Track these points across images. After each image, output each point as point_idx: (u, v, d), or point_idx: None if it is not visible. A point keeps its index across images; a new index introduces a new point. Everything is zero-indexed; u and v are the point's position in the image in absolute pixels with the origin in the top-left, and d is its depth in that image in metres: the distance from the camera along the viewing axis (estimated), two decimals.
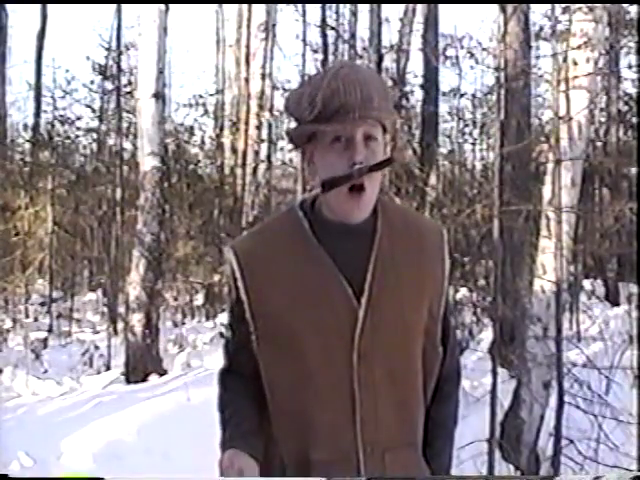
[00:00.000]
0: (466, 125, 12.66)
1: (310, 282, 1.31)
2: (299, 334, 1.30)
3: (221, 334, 7.12)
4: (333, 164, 1.28)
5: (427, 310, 1.36)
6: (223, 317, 8.94)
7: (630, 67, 10.08)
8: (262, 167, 7.70)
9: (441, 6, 9.49)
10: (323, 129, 1.28)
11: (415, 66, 9.73)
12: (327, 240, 1.32)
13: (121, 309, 8.02)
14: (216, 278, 8.94)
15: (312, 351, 1.30)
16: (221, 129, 11.24)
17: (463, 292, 7.83)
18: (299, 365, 1.31)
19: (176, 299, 9.98)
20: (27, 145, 12.33)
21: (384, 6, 10.10)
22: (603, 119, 10.92)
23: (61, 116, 11.86)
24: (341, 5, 10.89)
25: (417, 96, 9.59)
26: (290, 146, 1.40)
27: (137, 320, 6.07)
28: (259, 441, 1.33)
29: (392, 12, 10.59)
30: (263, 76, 7.78)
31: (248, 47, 8.31)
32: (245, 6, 8.86)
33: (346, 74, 1.27)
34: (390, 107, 1.35)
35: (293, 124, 1.38)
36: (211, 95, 12.87)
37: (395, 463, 1.32)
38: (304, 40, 10.38)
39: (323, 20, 9.36)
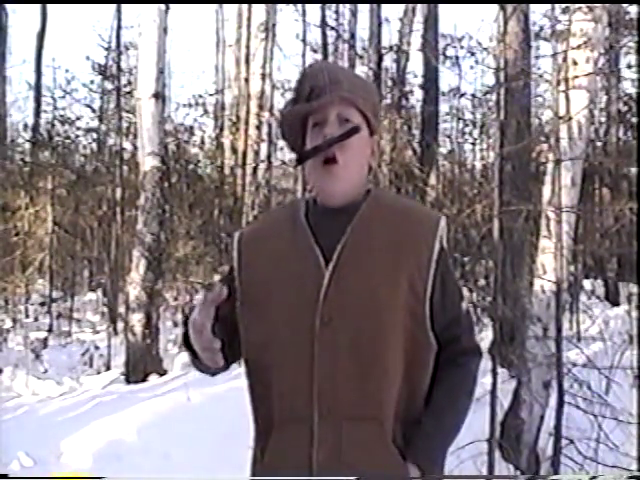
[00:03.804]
0: (466, 125, 12.67)
1: (288, 251, 1.40)
2: (271, 297, 1.38)
3: None
4: (310, 144, 1.39)
5: (409, 288, 1.35)
6: None
7: (630, 67, 10.08)
8: (262, 167, 7.70)
9: (441, 6, 9.51)
10: (298, 109, 1.39)
11: (415, 66, 9.74)
12: (314, 220, 1.41)
13: (121, 309, 8.02)
14: (216, 278, 8.93)
15: (280, 315, 1.36)
16: (221, 129, 11.24)
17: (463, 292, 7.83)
18: (268, 328, 1.37)
19: (176, 299, 9.98)
20: (27, 145, 12.34)
21: (384, 6, 10.12)
22: (603, 119, 10.93)
23: (61, 116, 11.87)
24: (341, 5, 10.90)
25: (417, 96, 9.59)
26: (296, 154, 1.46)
27: (137, 320, 6.07)
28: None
29: (392, 12, 10.61)
30: (263, 76, 7.78)
31: (248, 47, 8.31)
32: (245, 6, 8.86)
33: (316, 64, 1.46)
34: (369, 99, 1.42)
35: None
36: (211, 95, 12.87)
37: (353, 433, 1.32)
38: (304, 40, 10.40)
39: (323, 20, 9.36)
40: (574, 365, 4.17)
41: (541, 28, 8.39)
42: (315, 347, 1.32)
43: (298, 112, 1.39)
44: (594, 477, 1.39)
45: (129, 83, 10.41)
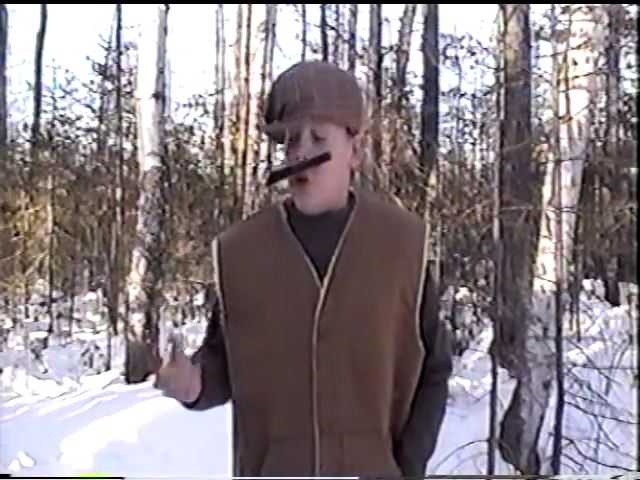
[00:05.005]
0: (466, 125, 12.68)
1: (278, 263, 1.36)
2: (263, 311, 1.34)
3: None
4: (285, 161, 1.37)
5: (400, 298, 1.36)
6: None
7: (630, 67, 10.09)
8: (262, 167, 7.69)
9: (441, 6, 9.50)
10: (270, 129, 1.37)
11: (415, 66, 9.75)
12: (300, 228, 1.37)
13: (121, 309, 8.01)
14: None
15: (273, 328, 1.32)
16: (221, 129, 11.23)
17: (463, 292, 7.83)
18: (261, 341, 1.33)
19: (176, 299, 9.99)
20: (27, 145, 12.34)
21: (384, 6, 10.12)
22: (603, 119, 10.94)
23: (61, 116, 11.88)
24: (341, 5, 10.90)
25: (417, 96, 9.60)
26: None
27: (137, 320, 6.07)
28: (212, 379, 1.35)
29: (392, 12, 10.61)
30: (263, 76, 7.77)
31: (248, 47, 8.30)
32: (245, 6, 8.85)
33: (289, 75, 1.36)
34: (348, 104, 1.36)
35: None
36: (211, 95, 12.88)
37: (354, 447, 1.31)
38: (304, 40, 10.41)
39: (323, 20, 9.37)
40: (574, 365, 4.17)
41: (541, 28, 8.41)
42: (313, 361, 1.30)
43: (272, 131, 1.38)
44: (616, 477, 1.38)
45: (129, 83, 10.40)
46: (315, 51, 10.69)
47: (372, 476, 1.32)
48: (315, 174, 1.33)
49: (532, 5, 6.26)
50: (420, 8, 9.47)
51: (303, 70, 1.37)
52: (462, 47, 11.02)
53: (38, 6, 14.30)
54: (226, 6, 11.80)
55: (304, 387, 1.30)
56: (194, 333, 7.98)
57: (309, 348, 1.30)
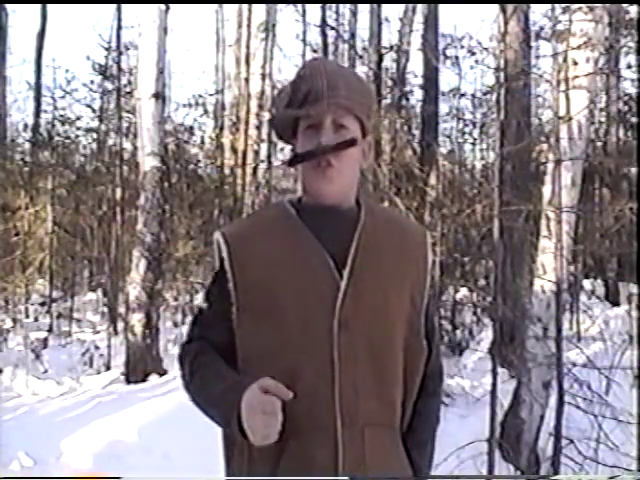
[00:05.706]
0: (466, 125, 12.65)
1: (293, 255, 1.35)
2: (280, 303, 1.32)
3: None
4: (303, 146, 1.36)
5: (409, 298, 1.39)
6: None
7: (630, 67, 10.09)
8: (262, 167, 7.69)
9: (441, 6, 9.48)
10: (294, 113, 1.36)
11: (415, 66, 9.73)
12: (311, 221, 1.37)
13: (121, 309, 8.01)
14: None
15: (293, 319, 1.31)
16: (221, 129, 11.22)
17: (463, 292, 7.83)
18: (279, 334, 1.32)
19: (176, 299, 9.98)
20: (27, 145, 12.34)
21: (384, 6, 10.12)
22: (603, 119, 10.93)
23: (61, 116, 11.88)
24: (341, 5, 10.91)
25: (417, 96, 9.58)
26: (290, 146, 1.45)
27: (137, 320, 6.07)
28: None
29: (392, 12, 10.61)
30: (263, 76, 7.78)
31: (248, 47, 8.30)
32: (245, 6, 8.84)
33: (314, 64, 1.40)
34: (365, 102, 1.40)
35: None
36: (211, 95, 12.87)
37: (375, 440, 1.32)
38: (304, 40, 10.42)
39: (323, 20, 9.37)
40: (574, 365, 4.17)
41: (541, 28, 8.40)
42: (334, 352, 1.30)
43: (293, 116, 1.37)
44: (614, 477, 1.39)
45: (129, 83, 10.40)
46: (315, 51, 10.69)
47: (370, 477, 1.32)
48: (338, 160, 1.34)
49: (532, 5, 6.25)
50: (420, 8, 9.45)
51: (326, 62, 1.42)
52: (462, 47, 11.01)
53: (38, 6, 14.29)
54: (226, 6, 11.79)
55: (326, 378, 1.30)
56: None
57: (330, 338, 1.30)
